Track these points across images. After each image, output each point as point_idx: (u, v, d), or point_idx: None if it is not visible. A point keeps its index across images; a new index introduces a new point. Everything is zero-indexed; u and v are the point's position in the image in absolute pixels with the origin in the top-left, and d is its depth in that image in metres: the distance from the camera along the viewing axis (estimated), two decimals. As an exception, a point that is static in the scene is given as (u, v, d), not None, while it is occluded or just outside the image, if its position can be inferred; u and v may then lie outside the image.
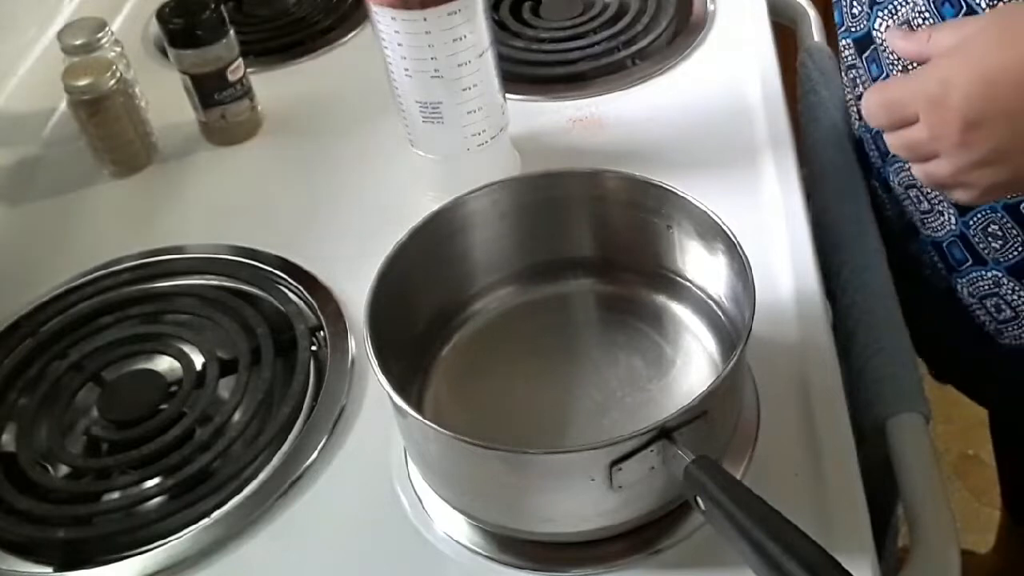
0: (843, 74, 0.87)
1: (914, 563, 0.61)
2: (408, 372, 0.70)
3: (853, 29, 0.80)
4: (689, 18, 1.04)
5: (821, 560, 0.50)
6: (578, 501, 0.59)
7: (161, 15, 0.94)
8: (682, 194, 0.68)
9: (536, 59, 1.01)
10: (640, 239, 0.72)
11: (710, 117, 0.93)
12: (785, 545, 0.51)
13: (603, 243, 0.74)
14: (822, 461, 0.65)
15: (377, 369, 0.60)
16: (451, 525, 0.65)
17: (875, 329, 0.73)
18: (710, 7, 1.04)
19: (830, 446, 0.66)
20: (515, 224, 0.73)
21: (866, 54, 0.79)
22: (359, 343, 0.77)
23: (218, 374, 0.76)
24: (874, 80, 0.79)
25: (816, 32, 1.02)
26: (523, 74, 0.99)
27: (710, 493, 0.54)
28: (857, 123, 0.88)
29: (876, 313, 0.74)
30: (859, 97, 0.79)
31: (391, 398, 0.60)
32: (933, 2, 0.68)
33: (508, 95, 0.86)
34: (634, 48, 1.01)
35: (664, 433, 0.56)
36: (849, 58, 0.83)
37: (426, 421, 0.59)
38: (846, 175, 0.86)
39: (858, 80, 0.83)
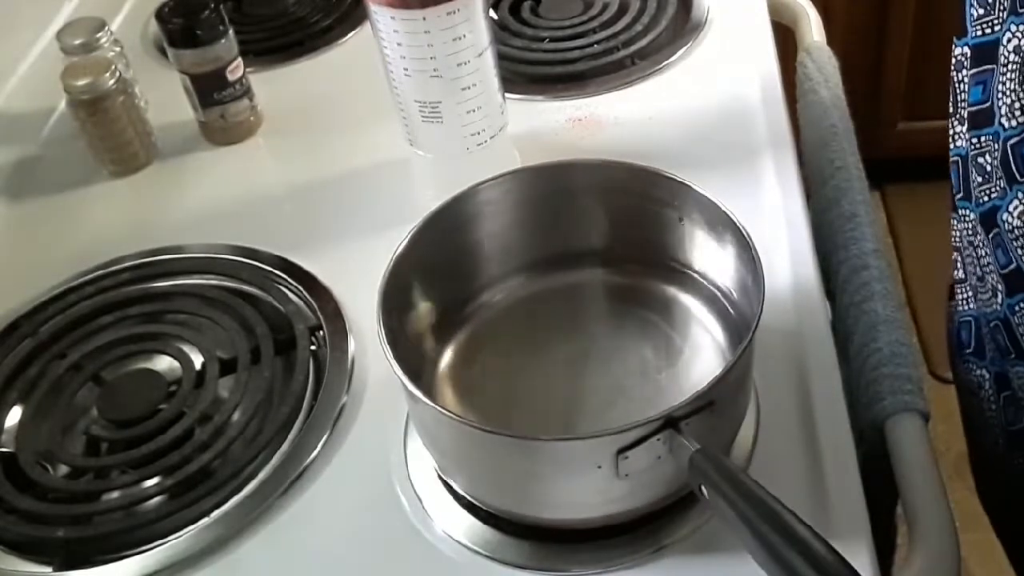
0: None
1: (914, 563, 0.61)
2: (419, 360, 0.70)
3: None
4: (689, 18, 1.04)
5: (820, 548, 0.50)
6: (585, 489, 0.59)
7: (160, 15, 0.94)
8: (693, 186, 0.68)
9: (536, 58, 1.01)
10: (650, 230, 0.72)
11: (710, 117, 0.93)
12: (785, 533, 0.51)
13: (613, 234, 0.74)
14: (822, 461, 0.65)
15: (390, 355, 0.60)
16: (451, 524, 0.65)
17: (874, 329, 0.73)
18: (710, 7, 1.04)
19: (830, 446, 0.66)
20: (526, 214, 0.73)
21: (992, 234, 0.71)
22: (359, 342, 0.77)
23: (218, 374, 0.76)
24: (1002, 268, 0.71)
25: (816, 32, 1.02)
26: (523, 73, 0.99)
27: (713, 482, 0.55)
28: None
29: (875, 313, 0.74)
30: (980, 278, 0.72)
31: (404, 385, 0.60)
32: None
33: (507, 94, 0.86)
34: (634, 48, 1.01)
35: (671, 422, 0.56)
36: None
37: (438, 407, 0.59)
38: (845, 175, 0.86)
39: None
